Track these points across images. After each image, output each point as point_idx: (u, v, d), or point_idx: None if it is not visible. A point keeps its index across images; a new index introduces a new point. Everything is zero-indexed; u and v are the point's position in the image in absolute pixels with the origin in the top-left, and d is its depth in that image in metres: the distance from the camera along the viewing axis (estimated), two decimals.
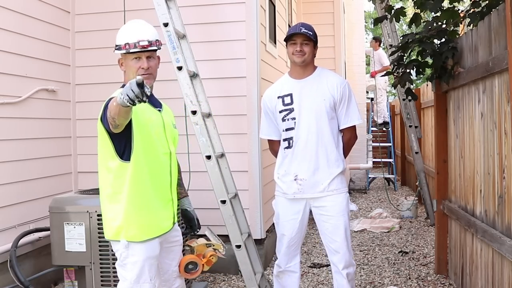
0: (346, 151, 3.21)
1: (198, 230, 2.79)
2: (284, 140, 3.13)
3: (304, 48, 3.05)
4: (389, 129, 10.38)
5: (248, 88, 4.50)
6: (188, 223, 2.67)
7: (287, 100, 3.10)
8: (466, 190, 3.64)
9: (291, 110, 3.08)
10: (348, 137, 3.20)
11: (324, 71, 3.19)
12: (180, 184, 2.68)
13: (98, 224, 3.53)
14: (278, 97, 3.13)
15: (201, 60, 4.27)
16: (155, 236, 2.39)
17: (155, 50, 2.44)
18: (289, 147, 3.11)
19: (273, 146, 3.30)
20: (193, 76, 3.89)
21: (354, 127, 3.19)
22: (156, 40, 2.43)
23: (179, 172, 2.76)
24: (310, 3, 7.99)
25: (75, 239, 3.55)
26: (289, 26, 6.88)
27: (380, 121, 10.29)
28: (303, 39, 3.04)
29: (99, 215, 3.52)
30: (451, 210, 3.99)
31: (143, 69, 2.38)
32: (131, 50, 2.36)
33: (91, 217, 3.53)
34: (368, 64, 11.49)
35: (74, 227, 3.55)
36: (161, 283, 2.54)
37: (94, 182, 4.56)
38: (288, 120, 3.09)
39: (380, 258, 5.01)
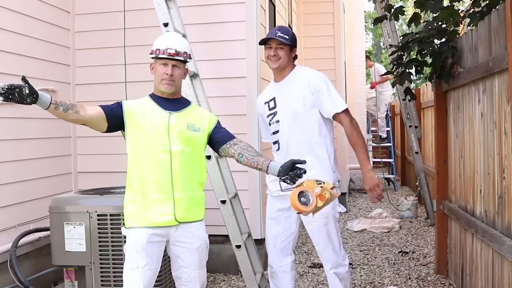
0: (354, 139, 2.99)
1: (301, 162, 2.49)
2: (274, 143, 3.18)
3: (278, 53, 3.04)
4: (389, 144, 10.29)
5: (248, 88, 4.50)
6: (290, 170, 2.46)
7: (272, 104, 3.16)
8: (466, 190, 3.64)
9: (275, 114, 3.13)
10: (346, 123, 3.00)
11: (300, 69, 3.16)
12: (258, 155, 2.60)
13: (98, 224, 3.53)
14: (265, 102, 3.19)
15: (201, 60, 4.27)
16: (141, 226, 2.52)
17: (182, 61, 2.61)
18: (277, 149, 3.15)
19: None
20: (193, 76, 3.90)
21: (346, 112, 3.02)
22: (185, 52, 2.61)
23: (249, 146, 2.65)
24: (310, 3, 7.98)
25: (75, 239, 3.56)
26: (289, 26, 6.88)
27: (384, 135, 10.32)
28: (278, 43, 3.04)
29: (99, 215, 3.54)
30: (451, 210, 3.99)
31: (166, 75, 2.57)
32: (159, 56, 2.56)
33: (91, 217, 3.53)
34: (368, 75, 11.51)
35: (74, 227, 3.56)
36: (175, 277, 2.69)
37: (94, 182, 4.60)
38: (273, 123, 3.14)
39: (380, 258, 5.01)
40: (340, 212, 3.24)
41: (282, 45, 3.05)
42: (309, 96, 3.03)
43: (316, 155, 3.04)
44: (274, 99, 3.14)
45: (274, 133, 3.15)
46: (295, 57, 3.18)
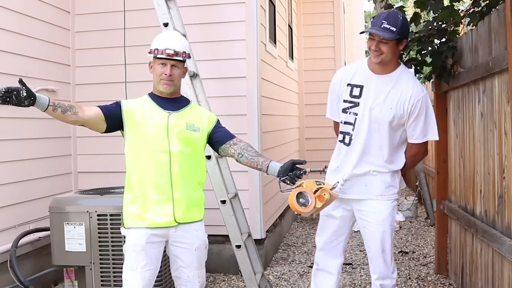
0: (408, 166, 2.93)
1: (301, 162, 2.47)
2: (341, 132, 2.90)
3: (381, 47, 2.70)
4: None
5: (248, 88, 4.51)
6: (290, 170, 2.43)
7: (356, 91, 2.83)
8: (466, 190, 3.64)
9: (356, 105, 2.83)
10: (414, 152, 2.90)
11: (405, 74, 2.84)
12: (258, 155, 2.59)
13: (98, 224, 3.53)
14: (348, 84, 2.86)
15: (201, 60, 4.27)
16: (140, 227, 2.52)
17: (181, 61, 2.59)
18: (344, 141, 2.89)
19: (336, 127, 3.04)
20: (193, 76, 3.90)
21: (425, 143, 2.89)
22: (184, 52, 2.59)
23: (249, 146, 2.63)
24: (310, 3, 7.99)
25: (75, 239, 3.56)
26: (289, 26, 6.87)
27: None
28: (382, 37, 2.70)
29: (99, 215, 3.53)
30: (451, 210, 3.99)
31: (165, 75, 2.56)
32: (158, 56, 2.55)
33: (91, 217, 3.53)
34: None
35: (74, 227, 3.55)
36: (175, 277, 2.69)
37: (94, 182, 4.59)
38: (350, 113, 2.85)
39: None
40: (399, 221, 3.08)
41: (387, 39, 2.69)
42: (401, 113, 2.76)
43: (385, 164, 2.85)
44: (362, 88, 2.82)
45: (346, 123, 2.86)
46: (404, 48, 2.83)
